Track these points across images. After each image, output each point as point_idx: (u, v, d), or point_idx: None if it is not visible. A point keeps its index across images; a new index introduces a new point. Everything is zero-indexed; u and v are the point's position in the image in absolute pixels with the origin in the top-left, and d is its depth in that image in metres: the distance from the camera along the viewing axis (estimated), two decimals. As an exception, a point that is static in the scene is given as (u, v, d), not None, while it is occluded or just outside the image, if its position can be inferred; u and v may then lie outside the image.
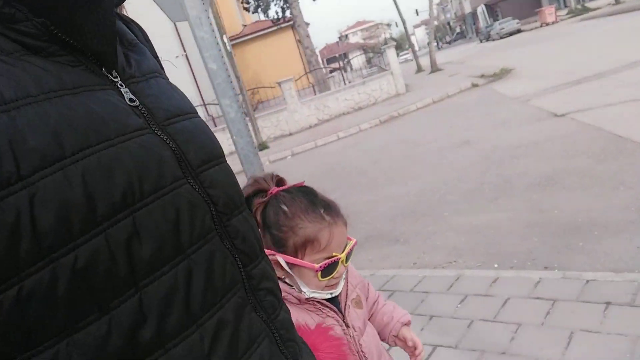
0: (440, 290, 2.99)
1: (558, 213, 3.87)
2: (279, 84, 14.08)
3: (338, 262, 1.07)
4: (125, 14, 0.80)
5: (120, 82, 0.61)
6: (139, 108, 0.60)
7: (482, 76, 13.77)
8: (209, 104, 16.64)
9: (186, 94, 0.75)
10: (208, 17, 1.79)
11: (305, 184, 1.17)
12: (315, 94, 15.93)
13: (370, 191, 6.39)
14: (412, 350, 1.29)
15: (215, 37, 1.82)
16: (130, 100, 0.60)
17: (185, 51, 21.10)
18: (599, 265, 2.90)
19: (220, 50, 1.82)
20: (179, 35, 21.00)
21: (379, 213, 5.37)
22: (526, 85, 10.25)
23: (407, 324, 1.32)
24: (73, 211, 0.49)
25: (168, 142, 0.61)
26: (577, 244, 3.26)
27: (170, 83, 0.73)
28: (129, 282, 0.53)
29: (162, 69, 0.79)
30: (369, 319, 1.29)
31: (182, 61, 20.99)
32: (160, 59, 0.80)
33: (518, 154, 5.79)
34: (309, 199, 1.09)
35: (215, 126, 15.61)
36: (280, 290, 0.75)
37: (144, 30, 0.80)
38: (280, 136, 14.43)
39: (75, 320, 0.49)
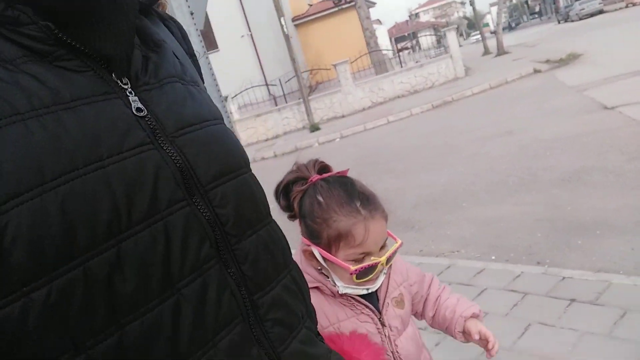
0: (429, 276, 3.18)
1: (571, 210, 3.88)
2: (334, 65, 14.23)
3: (376, 265, 1.01)
4: (165, 10, 0.77)
5: (129, 89, 0.57)
6: (146, 119, 0.56)
7: (547, 61, 13.18)
8: (270, 84, 17.14)
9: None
10: (197, 30, 2.09)
11: (345, 167, 1.13)
12: (376, 75, 15.89)
13: (403, 177, 6.53)
14: (484, 343, 1.14)
15: (203, 46, 2.11)
16: (138, 109, 0.56)
17: (250, 31, 21.76)
18: (589, 264, 2.95)
19: (207, 58, 2.12)
20: (245, 16, 21.65)
21: (405, 200, 5.53)
22: (589, 73, 9.77)
23: (473, 316, 1.18)
24: (48, 243, 0.45)
25: (174, 157, 0.56)
26: (577, 242, 3.30)
27: (192, 88, 0.67)
28: (108, 319, 0.48)
29: (198, 68, 0.77)
30: (432, 316, 1.24)
31: (247, 41, 21.67)
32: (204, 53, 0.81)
33: (554, 147, 5.70)
34: (346, 191, 1.03)
35: (276, 105, 16.07)
36: (300, 315, 0.68)
37: (182, 28, 0.77)
38: (333, 118, 14.63)
39: (47, 358, 0.46)
